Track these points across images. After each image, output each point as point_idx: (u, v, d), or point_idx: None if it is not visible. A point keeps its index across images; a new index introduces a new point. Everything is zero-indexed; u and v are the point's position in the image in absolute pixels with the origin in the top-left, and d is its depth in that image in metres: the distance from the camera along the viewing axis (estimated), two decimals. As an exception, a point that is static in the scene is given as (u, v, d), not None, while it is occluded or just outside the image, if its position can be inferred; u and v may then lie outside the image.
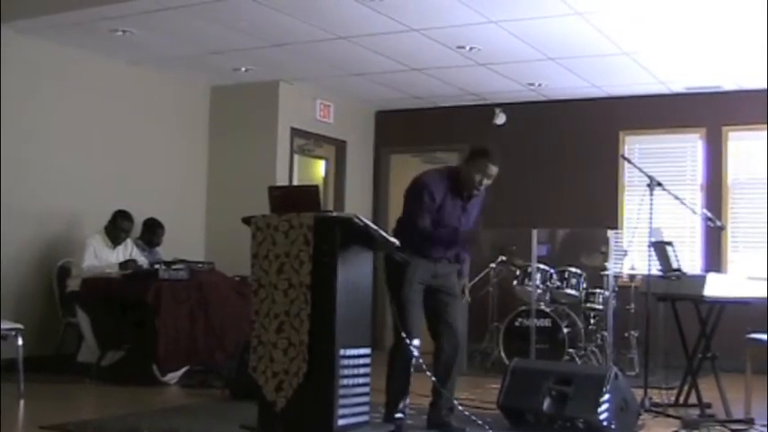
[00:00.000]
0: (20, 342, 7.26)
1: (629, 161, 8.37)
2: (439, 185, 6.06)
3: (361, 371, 5.58)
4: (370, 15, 8.10)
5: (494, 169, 6.03)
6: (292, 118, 11.09)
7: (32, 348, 8.08)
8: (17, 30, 8.65)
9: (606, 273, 9.86)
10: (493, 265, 10.37)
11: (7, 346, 7.39)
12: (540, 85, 10.69)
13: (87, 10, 7.97)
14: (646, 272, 7.29)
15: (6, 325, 7.32)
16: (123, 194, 9.69)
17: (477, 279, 10.27)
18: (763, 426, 6.25)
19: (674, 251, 7.14)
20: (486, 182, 6.07)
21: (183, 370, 8.41)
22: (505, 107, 11.72)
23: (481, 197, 6.29)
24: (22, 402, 7.08)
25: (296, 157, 11.12)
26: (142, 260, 9.20)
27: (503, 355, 9.58)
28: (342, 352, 5.39)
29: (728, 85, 10.24)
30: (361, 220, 5.54)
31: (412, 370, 6.12)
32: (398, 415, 6.09)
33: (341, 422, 5.37)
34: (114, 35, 8.84)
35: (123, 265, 8.81)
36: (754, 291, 6.88)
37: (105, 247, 9.06)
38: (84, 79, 9.65)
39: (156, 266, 8.68)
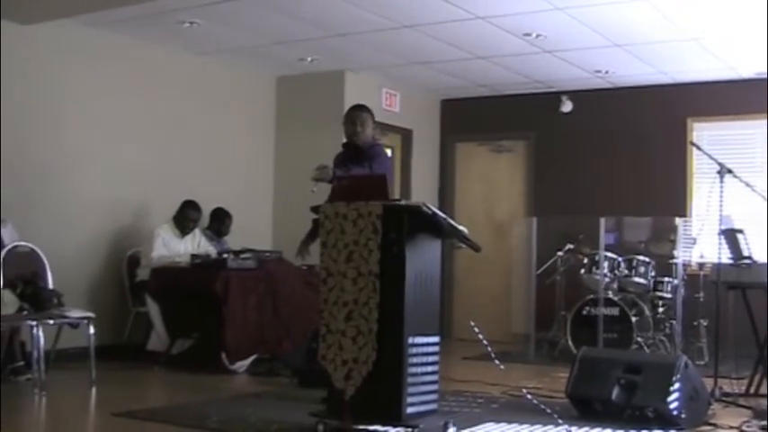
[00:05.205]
0: (91, 330, 7.36)
1: (699, 148, 8.25)
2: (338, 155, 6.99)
3: (430, 359, 5.59)
4: (435, 4, 8.08)
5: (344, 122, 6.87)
6: (358, 107, 11.09)
7: (103, 337, 8.23)
8: (86, 23, 8.76)
9: (675, 261, 9.77)
10: (560, 253, 10.31)
11: (79, 335, 7.52)
12: (606, 72, 10.59)
13: (155, 3, 8.01)
14: (715, 260, 7.20)
15: (78, 314, 7.45)
16: (191, 184, 9.78)
17: (544, 267, 10.26)
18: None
19: (745, 239, 7.07)
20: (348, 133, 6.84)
21: (252, 358, 8.49)
22: (572, 95, 11.63)
23: (377, 159, 6.72)
24: (94, 389, 7.20)
25: (362, 146, 11.11)
26: (210, 249, 9.29)
27: (570, 343, 9.53)
28: (410, 340, 5.39)
29: (799, 69, 10.06)
30: (429, 209, 5.54)
31: None
32: None
33: (410, 410, 5.38)
34: (181, 27, 8.92)
35: (195, 256, 8.87)
36: (827, 278, 6.76)
37: (174, 237, 9.17)
38: (152, 71, 9.75)
39: (225, 256, 8.74)
